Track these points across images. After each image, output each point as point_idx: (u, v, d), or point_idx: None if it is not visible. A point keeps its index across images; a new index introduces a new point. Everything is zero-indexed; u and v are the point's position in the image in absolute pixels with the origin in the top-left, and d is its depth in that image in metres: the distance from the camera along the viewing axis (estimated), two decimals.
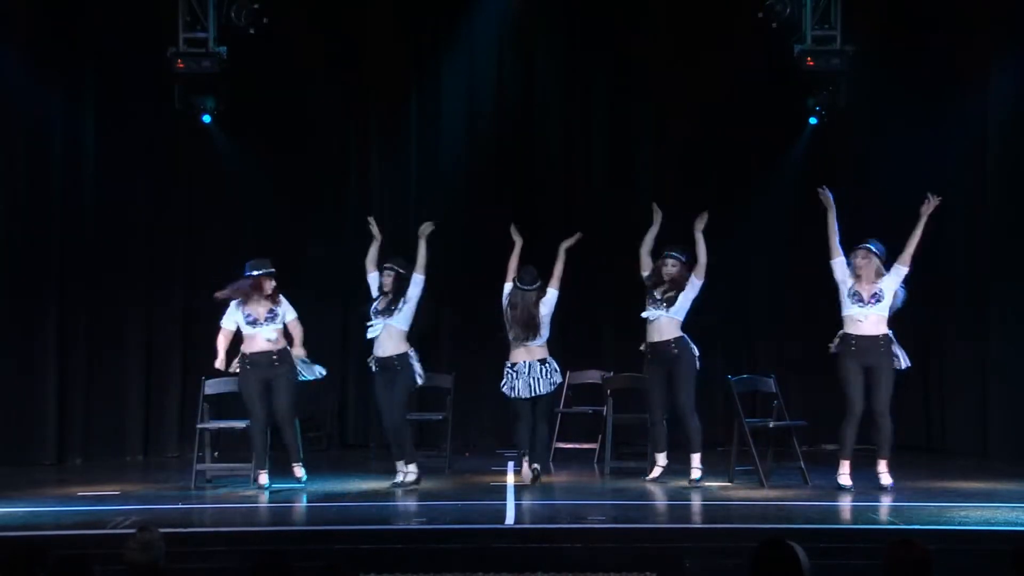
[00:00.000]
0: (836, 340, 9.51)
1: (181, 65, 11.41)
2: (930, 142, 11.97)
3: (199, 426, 10.22)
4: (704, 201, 12.31)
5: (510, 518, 8.29)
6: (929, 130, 11.97)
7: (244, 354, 9.90)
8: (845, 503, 9.14)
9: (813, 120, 12.19)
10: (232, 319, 9.97)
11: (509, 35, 13.15)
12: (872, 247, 9.51)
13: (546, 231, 12.59)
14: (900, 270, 9.46)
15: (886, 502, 9.02)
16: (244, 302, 9.88)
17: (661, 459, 10.16)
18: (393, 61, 12.96)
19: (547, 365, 9.96)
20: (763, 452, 10.01)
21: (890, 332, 9.45)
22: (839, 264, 9.55)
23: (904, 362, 9.45)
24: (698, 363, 10.05)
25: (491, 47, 13.12)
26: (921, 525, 7.87)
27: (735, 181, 12.66)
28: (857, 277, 9.45)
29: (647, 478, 10.08)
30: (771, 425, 9.97)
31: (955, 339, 12.00)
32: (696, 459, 9.88)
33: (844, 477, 9.49)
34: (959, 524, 7.96)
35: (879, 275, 9.45)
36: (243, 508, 9.23)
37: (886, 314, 9.44)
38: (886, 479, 9.45)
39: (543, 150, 13.14)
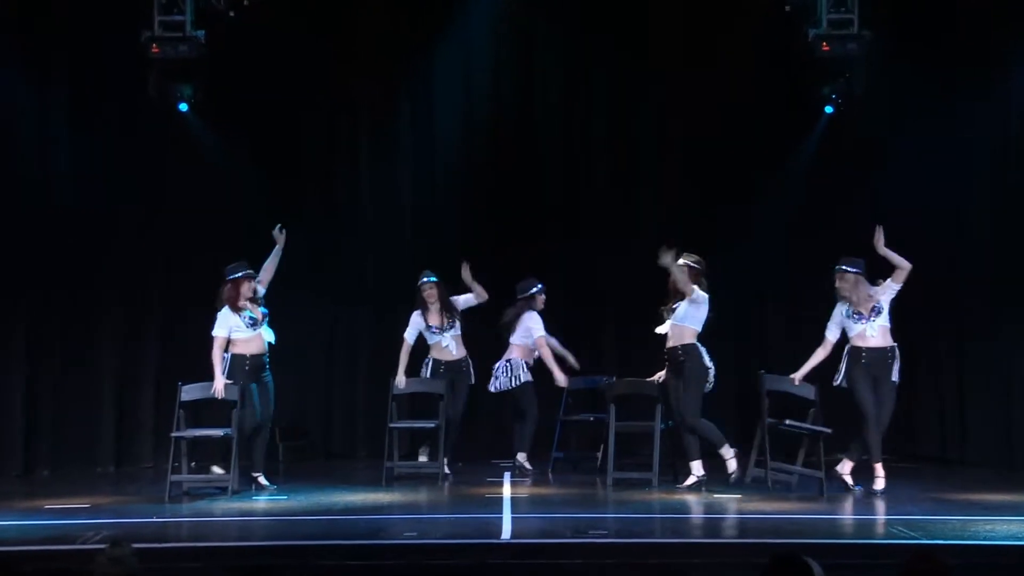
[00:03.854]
0: (842, 369, 9.89)
1: (156, 50, 11.18)
2: (950, 132, 11.85)
3: (174, 435, 10.06)
4: (716, 193, 12.70)
5: (506, 532, 8.19)
6: (949, 119, 11.83)
7: None
8: (863, 516, 9.21)
9: (829, 109, 12.07)
10: None
11: (506, 26, 12.97)
12: (847, 268, 9.89)
13: (546, 231, 12.81)
14: (893, 287, 9.89)
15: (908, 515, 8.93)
16: None
17: (696, 468, 10.13)
18: (384, 44, 12.69)
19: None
20: (791, 460, 10.08)
21: (895, 345, 9.90)
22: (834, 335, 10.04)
23: (895, 377, 9.89)
24: (711, 375, 10.17)
25: (487, 37, 12.94)
26: (945, 539, 7.81)
27: (748, 172, 12.52)
28: (844, 299, 9.89)
29: (680, 486, 10.13)
30: (785, 423, 9.90)
31: (976, 344, 11.85)
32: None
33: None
34: (984, 539, 7.92)
35: (867, 289, 9.85)
36: (221, 522, 9.19)
37: (888, 324, 9.89)
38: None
39: (542, 147, 12.97)
